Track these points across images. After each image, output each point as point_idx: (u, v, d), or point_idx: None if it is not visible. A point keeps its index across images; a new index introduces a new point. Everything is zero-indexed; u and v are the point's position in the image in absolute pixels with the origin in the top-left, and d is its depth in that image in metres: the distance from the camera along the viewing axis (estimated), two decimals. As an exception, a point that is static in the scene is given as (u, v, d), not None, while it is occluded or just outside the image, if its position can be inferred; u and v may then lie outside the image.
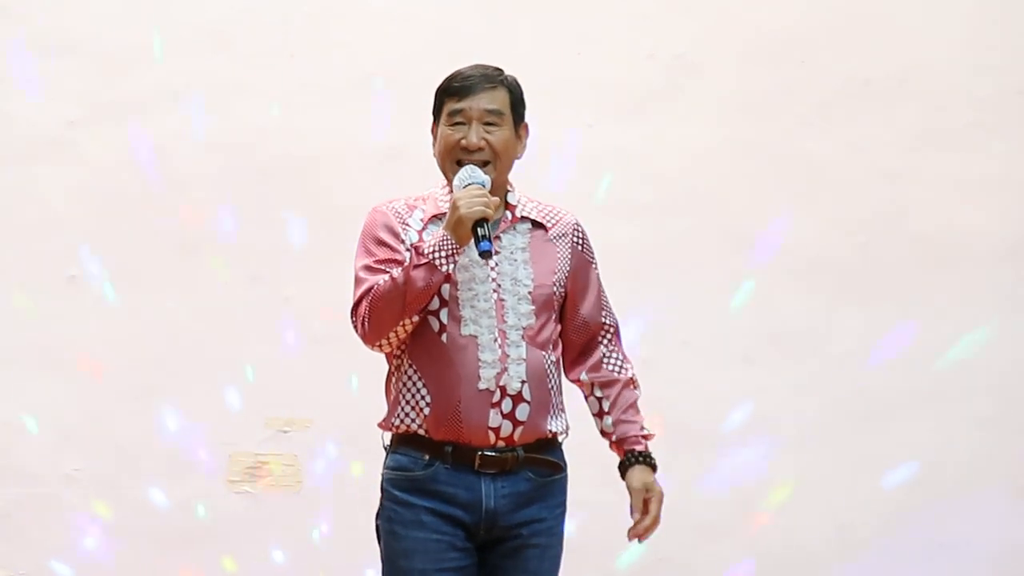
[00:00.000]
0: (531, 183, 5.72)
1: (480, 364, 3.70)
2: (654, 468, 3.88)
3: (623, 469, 3.88)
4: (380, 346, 3.72)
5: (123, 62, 5.67)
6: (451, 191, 3.75)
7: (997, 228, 5.81)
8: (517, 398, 3.72)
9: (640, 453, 3.87)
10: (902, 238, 5.80)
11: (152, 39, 5.68)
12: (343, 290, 5.63)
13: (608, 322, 3.96)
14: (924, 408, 5.76)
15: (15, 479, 5.59)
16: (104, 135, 5.65)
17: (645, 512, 3.84)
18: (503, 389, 3.71)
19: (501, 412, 3.71)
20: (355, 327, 3.73)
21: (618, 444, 3.90)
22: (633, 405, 3.93)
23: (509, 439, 3.73)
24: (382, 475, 3.78)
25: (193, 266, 5.64)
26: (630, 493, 3.86)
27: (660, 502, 3.85)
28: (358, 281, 3.73)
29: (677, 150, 5.76)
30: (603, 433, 3.93)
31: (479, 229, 3.62)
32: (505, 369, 3.71)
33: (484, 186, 3.68)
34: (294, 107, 5.69)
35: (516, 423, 3.73)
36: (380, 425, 3.82)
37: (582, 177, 5.74)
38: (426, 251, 3.63)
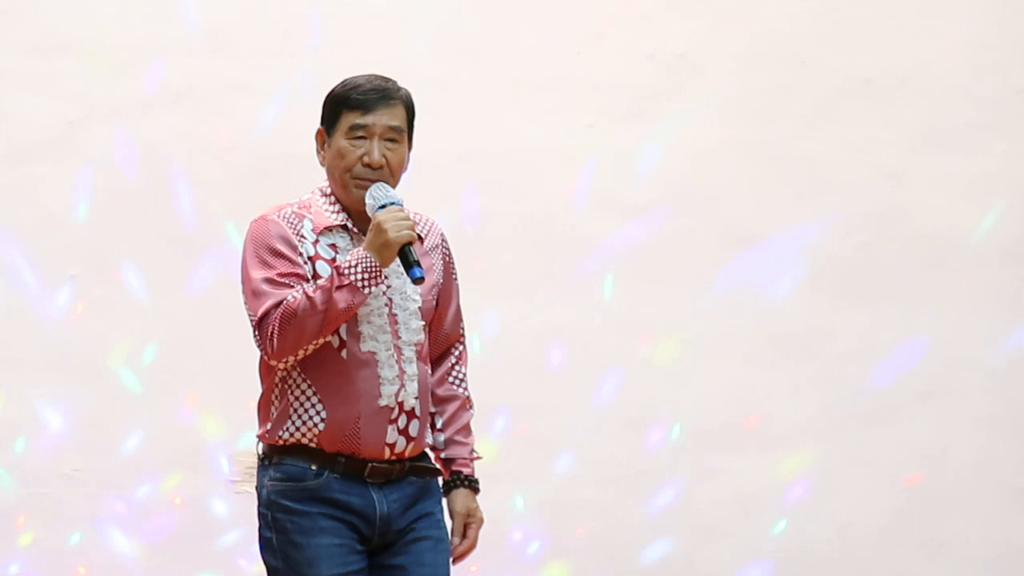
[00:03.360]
0: (531, 183, 5.75)
1: (380, 381, 3.67)
2: (477, 491, 3.87)
3: (447, 489, 3.85)
4: (286, 361, 3.65)
5: (123, 62, 5.66)
6: (339, 203, 3.72)
7: (997, 228, 5.81)
8: (411, 414, 3.71)
9: (466, 476, 3.85)
10: (902, 238, 5.80)
11: (151, 39, 5.68)
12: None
13: (463, 333, 3.95)
14: (924, 408, 5.76)
15: (15, 479, 5.59)
16: (104, 135, 5.65)
17: (464, 536, 3.83)
18: (400, 405, 3.69)
19: (397, 428, 3.69)
20: (260, 340, 3.65)
21: (445, 463, 3.87)
22: (466, 427, 3.89)
23: (400, 454, 3.71)
24: (267, 487, 3.70)
25: (193, 266, 5.64)
26: (451, 516, 3.83)
27: (479, 527, 3.85)
28: (259, 294, 3.64)
29: (677, 150, 5.76)
30: (431, 448, 3.86)
31: (408, 254, 3.59)
32: (403, 386, 3.69)
33: (401, 205, 3.64)
34: (294, 107, 5.69)
35: (409, 439, 3.71)
36: (261, 436, 3.75)
37: (582, 177, 5.73)
38: (346, 272, 3.58)
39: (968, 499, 5.75)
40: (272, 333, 3.60)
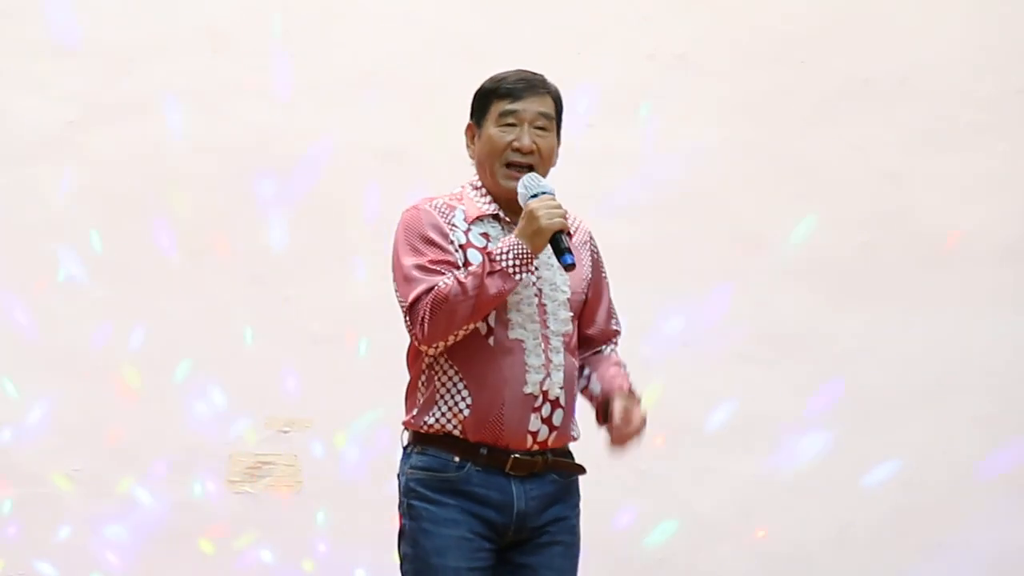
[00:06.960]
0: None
1: (527, 368, 3.70)
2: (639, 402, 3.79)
3: (606, 406, 3.76)
4: (436, 347, 3.68)
5: (123, 62, 5.67)
6: (489, 194, 3.76)
7: (997, 228, 5.82)
8: (555, 404, 3.74)
9: (628, 390, 3.80)
10: (902, 238, 5.80)
11: (151, 39, 5.69)
12: (343, 290, 5.65)
13: (616, 328, 3.98)
14: (924, 408, 5.76)
15: (15, 479, 5.60)
16: (104, 135, 5.65)
17: (627, 421, 3.72)
18: (545, 394, 3.72)
19: (541, 417, 3.72)
20: (411, 325, 3.67)
21: (604, 394, 3.82)
22: (620, 367, 3.85)
23: (544, 444, 3.74)
24: (406, 475, 3.74)
25: (193, 266, 5.64)
26: (615, 412, 3.71)
27: (644, 421, 3.73)
28: (411, 280, 3.67)
29: (677, 150, 5.76)
30: (584, 391, 3.86)
31: (560, 241, 3.64)
32: (548, 375, 3.72)
33: (553, 195, 3.67)
34: (294, 107, 5.70)
35: (552, 428, 3.74)
36: (407, 423, 3.78)
37: (582, 177, 5.74)
38: (498, 258, 3.62)
39: (967, 499, 5.75)
40: (423, 318, 3.63)
